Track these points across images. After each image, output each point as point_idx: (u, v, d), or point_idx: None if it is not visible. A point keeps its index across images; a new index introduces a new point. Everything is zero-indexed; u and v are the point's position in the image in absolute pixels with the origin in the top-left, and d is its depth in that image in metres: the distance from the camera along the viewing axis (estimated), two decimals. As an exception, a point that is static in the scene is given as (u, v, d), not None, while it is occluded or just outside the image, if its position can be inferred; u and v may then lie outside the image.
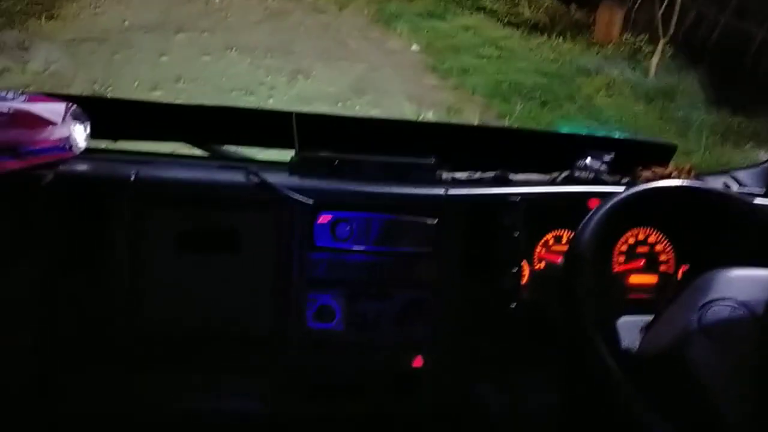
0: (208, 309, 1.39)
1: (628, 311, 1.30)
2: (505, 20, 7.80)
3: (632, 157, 1.64)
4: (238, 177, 1.40)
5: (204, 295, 1.38)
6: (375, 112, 5.23)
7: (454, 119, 5.37)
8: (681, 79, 6.35)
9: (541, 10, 7.89)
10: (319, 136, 1.52)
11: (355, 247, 1.40)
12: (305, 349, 1.42)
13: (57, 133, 1.36)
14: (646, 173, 1.60)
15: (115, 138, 1.63)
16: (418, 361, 1.44)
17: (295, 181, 1.42)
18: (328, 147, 1.50)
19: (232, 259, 1.38)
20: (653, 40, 6.79)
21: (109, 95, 4.85)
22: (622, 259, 1.53)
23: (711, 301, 1.15)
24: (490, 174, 1.55)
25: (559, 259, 1.48)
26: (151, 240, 1.36)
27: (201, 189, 1.41)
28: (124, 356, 1.38)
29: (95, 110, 1.44)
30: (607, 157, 1.60)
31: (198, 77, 5.43)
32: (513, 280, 1.45)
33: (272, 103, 5.18)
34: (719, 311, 1.13)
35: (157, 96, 5.03)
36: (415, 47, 6.90)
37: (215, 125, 1.65)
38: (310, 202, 1.38)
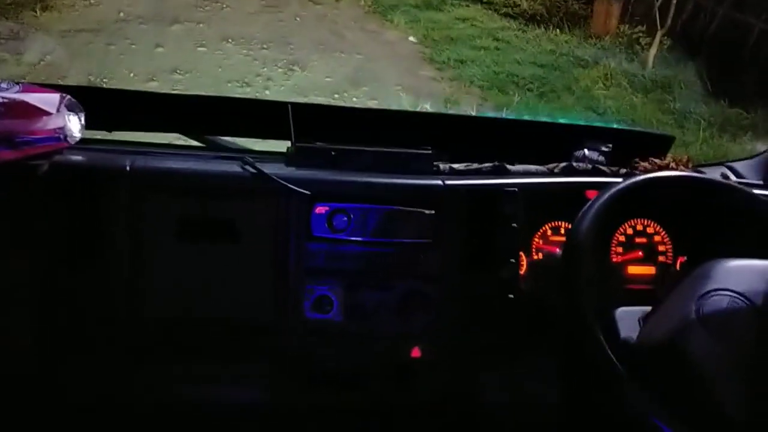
0: (205, 300, 1.39)
1: (627, 302, 1.30)
2: (503, 11, 7.78)
3: (630, 148, 1.63)
4: (234, 168, 1.40)
5: (201, 286, 1.38)
6: (372, 104, 5.22)
7: (452, 111, 5.36)
8: (679, 71, 6.34)
9: (538, 1, 7.87)
10: (315, 127, 1.51)
11: (353, 238, 1.40)
12: (303, 339, 1.42)
13: (52, 123, 1.35)
14: (644, 164, 1.60)
15: (111, 128, 1.62)
16: (416, 352, 1.44)
17: (291, 171, 1.42)
18: (325, 137, 1.49)
19: (229, 250, 1.38)
20: (651, 32, 6.78)
21: (104, 86, 4.84)
22: (620, 249, 1.52)
23: (709, 292, 1.15)
24: (487, 165, 1.54)
25: (557, 250, 1.48)
26: (147, 230, 1.35)
27: (197, 180, 1.40)
28: (122, 346, 1.38)
29: (90, 100, 1.43)
30: (605, 148, 1.60)
31: (194, 68, 5.42)
32: (511, 271, 1.44)
33: (269, 95, 5.17)
34: (717, 301, 1.13)
35: (153, 87, 5.02)
36: (411, 38, 6.88)
37: (211, 116, 1.65)
38: (307, 192, 1.37)
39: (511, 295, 1.43)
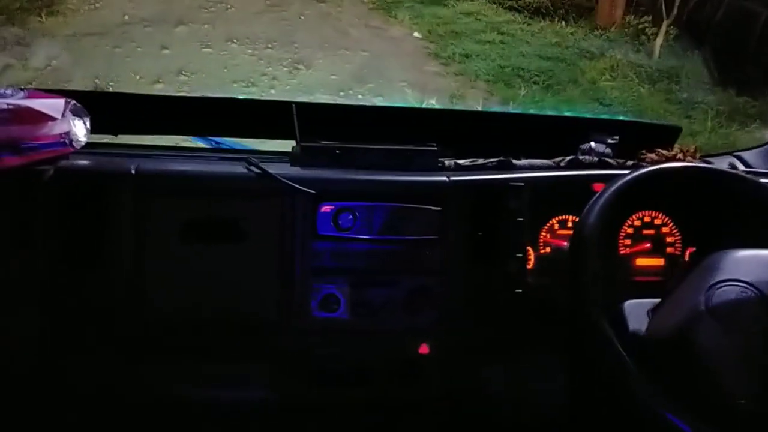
0: (212, 301, 1.39)
1: (635, 294, 1.29)
2: (507, 5, 7.74)
3: (637, 139, 1.63)
4: (239, 168, 1.40)
5: (208, 287, 1.38)
6: (377, 101, 5.22)
7: (457, 105, 5.35)
8: (685, 60, 6.31)
9: (542, -7, 7.84)
10: (319, 126, 1.51)
11: (359, 236, 1.40)
12: (311, 338, 1.42)
13: (57, 129, 1.35)
14: (651, 155, 1.59)
15: (116, 132, 1.63)
16: (424, 348, 1.44)
17: (296, 171, 1.42)
18: (329, 136, 1.49)
19: (235, 251, 1.38)
20: (657, 22, 6.74)
21: (111, 89, 4.85)
22: (628, 242, 1.52)
23: (718, 283, 1.14)
24: (493, 160, 1.54)
25: (565, 244, 1.48)
26: (153, 232, 1.35)
27: (202, 181, 1.41)
28: (129, 346, 1.39)
29: (95, 105, 1.44)
30: (611, 141, 1.59)
31: (199, 69, 5.43)
32: (518, 266, 1.44)
33: (274, 94, 5.18)
34: (727, 292, 1.13)
35: (160, 89, 5.03)
36: (416, 34, 6.87)
37: (215, 117, 1.65)
38: (312, 192, 1.37)
39: (519, 290, 1.43)
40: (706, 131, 5.19)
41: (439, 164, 1.51)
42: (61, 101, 1.38)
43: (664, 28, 6.55)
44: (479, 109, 5.20)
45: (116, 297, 1.36)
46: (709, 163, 1.64)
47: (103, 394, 1.40)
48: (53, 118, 1.35)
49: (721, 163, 1.66)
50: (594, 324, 1.18)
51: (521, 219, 1.44)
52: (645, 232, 1.52)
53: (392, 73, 5.79)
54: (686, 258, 1.52)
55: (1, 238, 1.34)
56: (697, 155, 1.62)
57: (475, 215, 1.44)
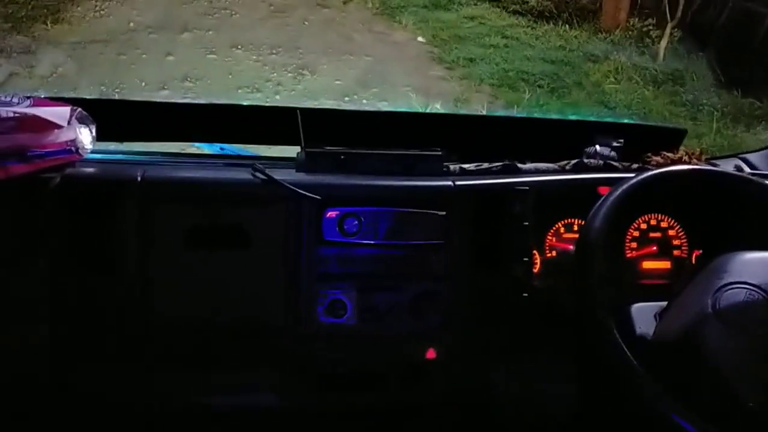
0: (218, 307, 1.39)
1: (642, 297, 1.29)
2: (511, 9, 7.74)
3: (642, 142, 1.63)
4: (244, 175, 1.40)
5: (214, 294, 1.38)
6: (382, 105, 5.22)
7: (462, 110, 5.35)
8: (690, 63, 6.29)
9: (546, -3, 7.84)
10: (324, 131, 1.52)
11: (364, 241, 1.40)
12: (317, 343, 1.42)
13: (63, 136, 1.36)
14: (656, 158, 1.59)
15: (121, 139, 1.64)
16: (431, 353, 1.44)
17: (301, 177, 1.42)
18: (334, 141, 1.49)
19: (241, 257, 1.38)
20: (661, 24, 6.73)
21: (116, 96, 4.87)
22: (634, 245, 1.52)
23: (725, 285, 1.14)
24: (498, 164, 1.54)
25: (571, 247, 1.48)
26: (159, 239, 1.36)
27: (208, 187, 1.41)
28: (136, 352, 1.39)
29: (101, 112, 1.44)
30: (616, 144, 1.59)
31: (204, 75, 5.44)
32: (524, 270, 1.44)
33: (279, 99, 5.18)
34: (734, 295, 1.13)
35: (165, 95, 5.04)
36: (420, 38, 6.87)
37: (220, 123, 1.65)
38: (318, 197, 1.37)
39: (525, 294, 1.43)
40: (712, 133, 5.18)
41: (444, 169, 1.51)
42: (66, 109, 1.39)
43: (668, 31, 6.53)
44: (484, 113, 5.20)
45: (123, 304, 1.36)
46: (715, 165, 1.64)
47: (110, 402, 1.40)
48: (59, 126, 1.36)
49: (727, 166, 1.66)
50: (601, 327, 1.17)
51: (527, 223, 1.44)
52: (651, 235, 1.52)
53: (396, 78, 5.79)
54: (693, 261, 1.51)
55: (8, 245, 1.35)
56: (703, 158, 1.62)
57: (480, 220, 1.44)
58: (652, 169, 1.34)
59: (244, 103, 4.08)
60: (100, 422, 1.42)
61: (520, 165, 1.54)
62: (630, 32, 7.10)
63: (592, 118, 4.87)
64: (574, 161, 1.56)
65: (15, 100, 1.37)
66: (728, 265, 1.18)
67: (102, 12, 6.58)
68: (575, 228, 1.50)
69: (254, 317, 1.41)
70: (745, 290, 1.13)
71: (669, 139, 1.69)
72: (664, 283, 1.49)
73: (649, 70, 6.26)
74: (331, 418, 1.47)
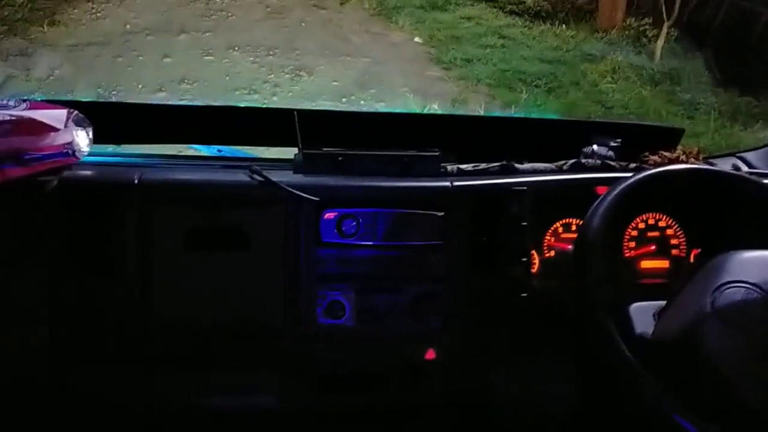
0: (217, 309, 1.39)
1: (641, 297, 1.29)
2: (508, 9, 7.75)
3: (639, 142, 1.63)
4: (242, 177, 1.40)
5: (213, 296, 1.38)
6: (379, 106, 5.23)
7: (460, 110, 5.35)
8: (687, 62, 6.30)
9: (543, -3, 7.85)
10: (322, 133, 1.52)
11: (363, 242, 1.40)
12: (316, 345, 1.42)
13: (60, 139, 1.36)
14: (654, 158, 1.59)
15: (119, 142, 1.63)
16: (430, 354, 1.43)
17: (299, 178, 1.42)
18: (332, 143, 1.49)
19: (240, 259, 1.38)
20: (658, 23, 6.74)
21: (113, 98, 4.86)
22: (632, 244, 1.52)
23: (724, 284, 1.14)
24: (495, 164, 1.54)
25: (569, 247, 1.47)
26: (157, 241, 1.36)
27: (205, 189, 1.41)
28: (136, 355, 1.39)
29: (98, 115, 1.44)
30: (613, 143, 1.59)
31: (201, 77, 5.44)
32: (523, 270, 1.44)
33: (276, 101, 5.18)
34: (732, 293, 1.13)
35: (162, 97, 5.04)
36: (417, 39, 6.87)
37: (218, 125, 1.65)
38: (316, 199, 1.37)
39: (524, 294, 1.43)
40: (709, 132, 5.18)
41: (442, 170, 1.51)
42: (63, 112, 1.39)
43: (665, 30, 6.54)
44: (481, 113, 5.20)
45: (122, 306, 1.36)
46: (712, 164, 1.64)
47: (110, 404, 1.40)
48: (56, 129, 1.36)
49: (724, 165, 1.66)
50: (600, 327, 1.17)
51: (525, 223, 1.44)
52: (649, 234, 1.52)
53: (394, 79, 5.80)
54: (691, 260, 1.51)
55: (6, 249, 1.35)
56: (700, 157, 1.62)
57: (478, 220, 1.44)
58: (650, 169, 1.34)
59: (241, 105, 4.08)
60: (100, 424, 1.42)
61: (517, 165, 1.54)
62: (627, 32, 7.11)
63: (589, 118, 4.88)
64: (571, 161, 1.56)
65: (11, 103, 1.38)
66: (727, 264, 1.18)
67: (98, 14, 6.58)
68: (573, 228, 1.49)
69: (253, 319, 1.40)
70: (744, 289, 1.13)
71: (666, 138, 1.69)
72: (663, 283, 1.49)
73: (646, 69, 6.27)
74: (330, 419, 1.47)
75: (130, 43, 5.99)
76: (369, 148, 1.49)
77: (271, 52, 6.05)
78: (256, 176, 1.39)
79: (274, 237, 1.39)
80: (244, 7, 7.13)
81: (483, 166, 1.54)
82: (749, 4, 6.27)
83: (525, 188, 1.45)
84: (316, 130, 1.48)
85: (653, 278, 1.51)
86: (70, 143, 1.37)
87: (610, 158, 1.57)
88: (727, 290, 1.13)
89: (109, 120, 1.50)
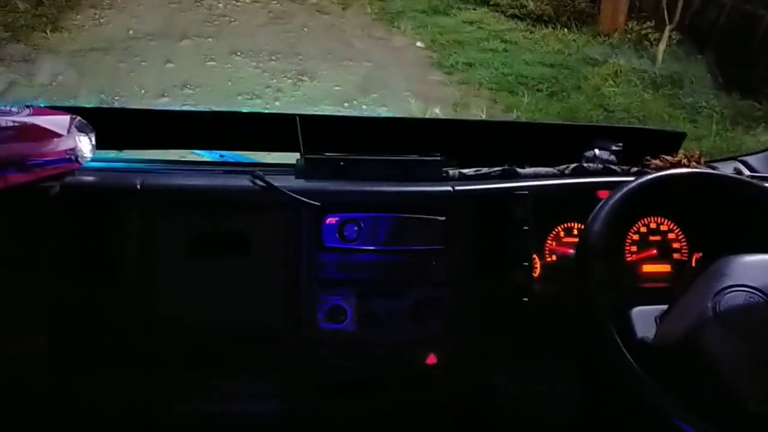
0: (219, 314, 1.39)
1: (643, 301, 1.29)
2: (509, 13, 7.74)
3: (641, 146, 1.63)
4: (244, 182, 1.40)
5: (214, 300, 1.39)
6: (381, 111, 5.23)
7: (462, 114, 5.35)
8: (689, 65, 6.29)
9: (545, 1, 7.84)
10: (323, 138, 1.52)
11: (364, 247, 1.40)
12: (318, 350, 1.42)
13: (62, 145, 1.36)
14: (656, 162, 1.59)
15: (121, 147, 1.64)
16: (431, 359, 1.43)
17: (301, 183, 1.42)
18: (334, 148, 1.50)
19: (241, 264, 1.38)
20: (659, 27, 6.73)
21: (116, 104, 4.87)
22: (634, 248, 1.52)
23: (725, 288, 1.14)
24: (497, 169, 1.54)
25: (571, 251, 1.48)
26: (160, 246, 1.36)
27: (207, 194, 1.41)
28: (137, 360, 1.39)
29: (100, 121, 1.44)
30: (615, 148, 1.59)
31: (204, 83, 5.44)
32: (525, 274, 1.44)
33: (278, 106, 5.18)
34: (734, 298, 1.13)
35: (164, 103, 5.05)
36: (419, 44, 6.88)
37: (220, 131, 1.66)
38: (317, 204, 1.38)
39: (525, 299, 1.43)
40: (711, 136, 5.17)
41: (444, 174, 1.51)
42: (66, 118, 1.39)
43: (666, 34, 6.53)
44: (482, 118, 5.20)
45: (124, 312, 1.36)
46: (714, 168, 1.64)
47: (110, 408, 1.40)
48: (59, 135, 1.36)
49: (726, 168, 1.66)
50: (601, 331, 1.17)
51: (526, 228, 1.44)
52: (651, 238, 1.52)
53: (396, 83, 5.79)
54: (693, 264, 1.51)
55: (9, 254, 1.35)
56: (702, 160, 1.62)
57: (480, 225, 1.44)
58: (652, 173, 1.35)
59: (244, 110, 4.09)
60: (101, 428, 1.42)
61: (519, 170, 1.54)
62: (628, 35, 7.11)
63: (591, 122, 4.88)
64: (573, 165, 1.56)
65: (14, 109, 1.38)
66: (728, 268, 1.19)
67: (101, 20, 6.59)
68: (575, 232, 1.50)
69: (254, 323, 1.41)
70: (746, 293, 1.13)
71: (668, 142, 1.69)
72: (665, 287, 1.49)
73: (647, 73, 6.26)
74: (331, 424, 1.47)
75: (132, 48, 6.00)
76: (371, 153, 1.49)
77: (273, 57, 6.05)
78: (258, 181, 1.39)
79: (275, 242, 1.39)
80: (247, 12, 7.14)
81: (485, 170, 1.54)
82: (751, 7, 6.27)
83: (527, 192, 1.45)
84: (318, 135, 1.48)
85: (655, 282, 1.51)
86: (73, 149, 1.38)
87: (611, 162, 1.57)
88: (729, 294, 1.13)
89: (111, 125, 1.50)
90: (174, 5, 7.04)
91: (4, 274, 1.35)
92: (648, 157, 1.60)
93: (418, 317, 1.41)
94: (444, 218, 1.42)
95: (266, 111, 4.67)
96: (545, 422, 1.50)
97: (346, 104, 5.31)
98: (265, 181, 1.39)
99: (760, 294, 1.13)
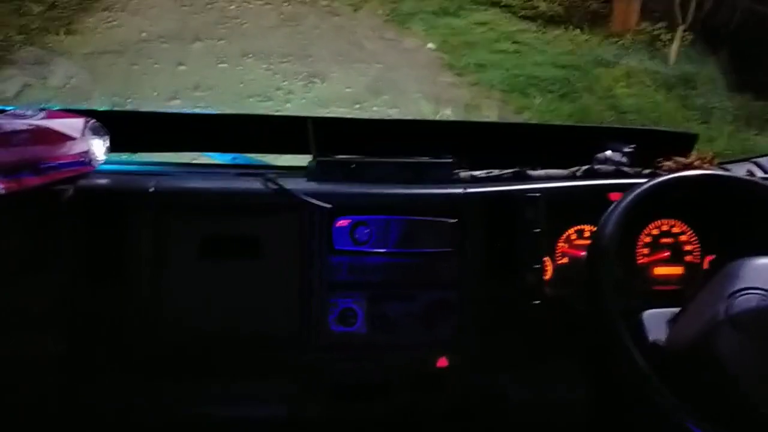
0: (230, 316, 1.40)
1: (655, 303, 1.29)
2: (521, 14, 7.73)
3: (653, 147, 1.62)
4: (256, 184, 1.41)
5: (226, 303, 1.39)
6: (393, 112, 5.22)
7: (473, 116, 5.35)
8: (701, 66, 6.26)
9: (556, 2, 7.81)
10: (335, 140, 1.52)
11: (375, 250, 1.40)
12: (329, 352, 1.42)
13: (76, 148, 1.37)
14: (668, 163, 1.58)
15: (134, 150, 1.65)
16: (442, 361, 1.43)
17: (312, 186, 1.43)
18: (345, 150, 1.50)
19: (253, 266, 1.39)
20: (672, 28, 6.70)
21: (128, 106, 4.90)
22: (646, 251, 1.51)
23: (738, 291, 1.14)
24: (509, 171, 1.54)
25: (582, 254, 1.47)
26: (172, 249, 1.37)
27: (220, 197, 1.42)
28: (147, 362, 1.40)
29: (114, 123, 1.45)
30: (627, 149, 1.59)
31: (216, 85, 5.46)
32: (536, 277, 1.44)
33: (290, 108, 5.19)
34: (747, 300, 1.12)
35: (176, 105, 5.07)
36: (430, 45, 6.88)
37: (232, 133, 1.66)
38: (328, 206, 1.38)
39: (537, 301, 1.42)
40: (724, 137, 5.14)
41: (455, 176, 1.51)
42: (80, 120, 1.40)
43: (679, 34, 6.50)
44: (494, 120, 5.19)
45: (136, 315, 1.37)
46: (727, 170, 1.63)
47: (122, 412, 1.40)
48: (72, 138, 1.37)
49: (739, 170, 1.65)
50: (613, 334, 1.17)
51: (538, 230, 1.43)
52: (663, 240, 1.51)
53: (407, 85, 5.79)
54: (705, 266, 1.51)
55: (22, 257, 1.36)
56: (715, 162, 1.61)
57: (491, 227, 1.44)
58: (664, 175, 1.34)
59: (256, 113, 4.10)
60: (110, 431, 1.42)
61: (530, 172, 1.54)
62: (641, 36, 7.07)
63: (602, 124, 4.86)
64: (584, 167, 1.56)
65: (29, 112, 1.39)
66: (741, 270, 1.18)
67: (114, 23, 6.63)
68: (586, 234, 1.49)
69: (265, 326, 1.41)
70: (759, 296, 1.13)
71: (680, 143, 1.68)
72: (677, 289, 1.49)
73: (660, 74, 6.23)
74: (341, 427, 1.47)
75: (145, 51, 6.03)
76: (382, 155, 1.49)
77: (284, 59, 6.06)
78: (270, 183, 1.40)
79: (287, 244, 1.39)
80: (258, 14, 7.17)
81: (496, 172, 1.54)
82: (764, 8, 6.23)
83: (538, 195, 1.45)
84: (330, 138, 1.49)
85: (667, 285, 1.50)
86: (87, 152, 1.39)
87: (623, 164, 1.57)
88: (742, 297, 1.13)
89: (125, 128, 1.51)
90: (186, 8, 7.07)
91: (17, 276, 1.36)
92: (660, 159, 1.60)
93: (429, 320, 1.41)
94: (455, 220, 1.42)
95: (278, 113, 4.68)
96: (556, 425, 1.50)
97: (357, 106, 5.32)
98: (276, 184, 1.39)
99: None
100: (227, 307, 1.39)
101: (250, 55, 6.08)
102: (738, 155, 1.85)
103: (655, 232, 1.51)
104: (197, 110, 4.79)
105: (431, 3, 7.82)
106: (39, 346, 1.37)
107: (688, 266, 1.51)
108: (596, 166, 1.56)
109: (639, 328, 1.24)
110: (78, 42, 6.11)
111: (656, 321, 1.24)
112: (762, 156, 1.77)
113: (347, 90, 5.59)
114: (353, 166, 1.47)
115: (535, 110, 5.54)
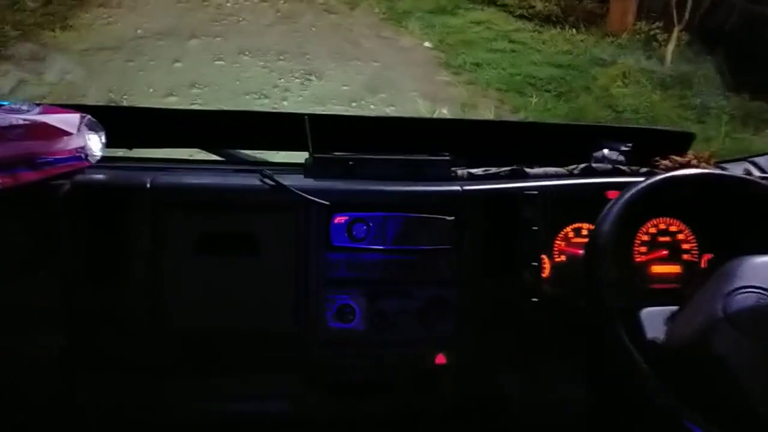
0: (228, 314, 1.39)
1: (652, 302, 1.29)
2: (517, 13, 7.75)
3: (650, 146, 1.62)
4: (253, 181, 1.41)
5: (224, 300, 1.39)
6: (389, 111, 5.23)
7: (469, 115, 5.35)
8: (698, 66, 6.28)
9: (553, 1, 7.84)
10: (332, 137, 1.52)
11: (373, 246, 1.40)
12: (326, 349, 1.42)
13: (72, 143, 1.37)
14: (665, 162, 1.59)
15: (131, 146, 1.64)
16: (440, 358, 1.43)
17: (310, 182, 1.42)
18: (342, 147, 1.50)
19: (250, 263, 1.38)
20: (668, 28, 6.72)
21: (124, 103, 4.89)
22: (643, 249, 1.51)
23: (736, 289, 1.14)
24: (506, 168, 1.54)
25: (580, 252, 1.47)
26: (168, 245, 1.36)
27: (217, 193, 1.41)
28: (148, 360, 1.39)
29: (110, 119, 1.45)
30: (624, 148, 1.59)
31: (212, 82, 5.47)
32: (533, 274, 1.44)
33: (286, 105, 5.19)
34: (744, 299, 1.12)
35: (173, 102, 5.07)
36: (427, 44, 6.89)
37: (229, 130, 1.66)
38: (326, 203, 1.38)
39: (534, 299, 1.42)
40: (720, 137, 5.16)
41: (452, 174, 1.51)
42: (76, 116, 1.40)
43: (675, 34, 6.52)
44: (491, 118, 5.19)
45: (133, 311, 1.36)
46: (724, 169, 1.63)
47: (121, 410, 1.40)
48: (68, 133, 1.36)
49: (736, 169, 1.65)
50: (611, 332, 1.17)
51: (535, 228, 1.43)
52: (661, 239, 1.51)
53: (403, 83, 5.80)
54: (703, 265, 1.51)
55: (19, 253, 1.35)
56: (712, 161, 1.61)
57: (489, 224, 1.44)
58: (661, 173, 1.34)
59: (252, 110, 4.09)
60: (111, 429, 1.42)
61: (528, 170, 1.54)
62: (637, 36, 7.10)
63: (599, 123, 4.87)
64: (582, 165, 1.56)
65: (24, 107, 1.38)
66: (739, 269, 1.18)
67: (110, 19, 6.63)
68: (584, 232, 1.49)
69: (263, 323, 1.41)
70: (756, 294, 1.13)
71: (677, 142, 1.69)
72: (675, 288, 1.49)
73: (656, 73, 6.25)
74: (339, 424, 1.47)
75: (141, 47, 6.04)
76: (379, 153, 1.49)
77: (281, 57, 6.07)
78: (267, 180, 1.39)
79: (284, 241, 1.39)
80: (255, 11, 7.18)
81: (493, 170, 1.54)
82: (761, 8, 6.25)
83: (536, 193, 1.45)
84: (327, 135, 1.48)
85: (664, 283, 1.50)
86: (83, 147, 1.38)
87: (621, 163, 1.57)
88: (739, 295, 1.13)
89: (121, 124, 1.50)
90: (182, 4, 7.08)
91: (14, 273, 1.35)
92: (657, 158, 1.60)
93: (426, 317, 1.41)
94: (453, 218, 1.42)
95: (275, 110, 4.68)
96: (554, 422, 1.50)
97: (353, 104, 5.32)
98: (274, 180, 1.39)
99: None
100: (224, 304, 1.39)
101: (247, 53, 6.08)
102: (734, 155, 1.85)
103: (652, 230, 1.51)
104: (194, 107, 4.79)
105: (428, 2, 7.85)
106: (37, 342, 1.36)
107: (686, 265, 1.51)
108: (594, 165, 1.56)
109: (637, 327, 1.24)
110: (74, 38, 6.11)
111: (654, 319, 1.24)
112: (759, 155, 1.77)
113: (344, 88, 5.60)
114: (350, 163, 1.47)
115: (531, 109, 5.55)
